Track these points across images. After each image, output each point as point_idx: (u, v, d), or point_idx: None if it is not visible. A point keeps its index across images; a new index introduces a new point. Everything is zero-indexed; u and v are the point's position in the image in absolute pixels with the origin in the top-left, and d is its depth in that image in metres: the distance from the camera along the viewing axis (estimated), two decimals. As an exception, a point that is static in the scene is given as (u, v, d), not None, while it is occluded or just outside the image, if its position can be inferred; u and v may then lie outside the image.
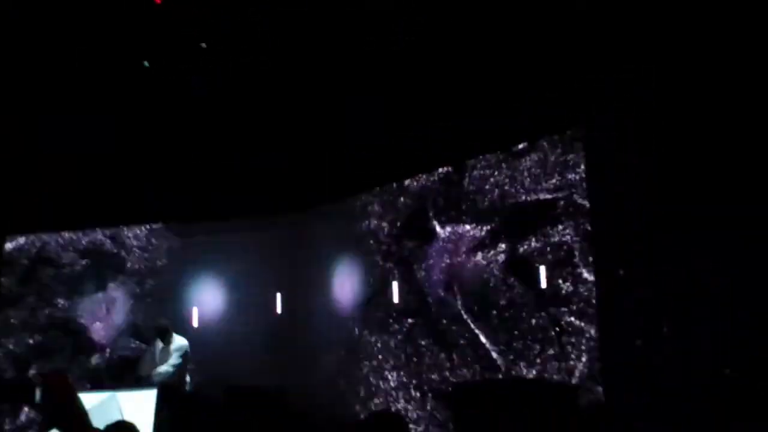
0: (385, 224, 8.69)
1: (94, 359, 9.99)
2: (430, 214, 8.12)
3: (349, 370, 8.90)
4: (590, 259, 6.53)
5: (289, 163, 9.01)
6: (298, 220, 9.78)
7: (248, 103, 8.45)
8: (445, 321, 7.77)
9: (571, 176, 6.77)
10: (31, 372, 9.97)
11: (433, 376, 7.83)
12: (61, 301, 10.28)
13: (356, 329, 8.85)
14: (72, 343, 10.15)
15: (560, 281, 6.71)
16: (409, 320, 8.22)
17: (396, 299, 8.36)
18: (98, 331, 10.12)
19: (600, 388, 6.25)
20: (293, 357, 9.21)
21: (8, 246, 10.57)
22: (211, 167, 9.23)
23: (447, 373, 7.66)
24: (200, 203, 9.66)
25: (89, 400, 8.02)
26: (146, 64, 7.95)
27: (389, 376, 8.33)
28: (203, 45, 7.71)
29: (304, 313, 9.44)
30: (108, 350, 10.04)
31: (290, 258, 9.68)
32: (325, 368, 9.07)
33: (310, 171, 9.05)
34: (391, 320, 8.39)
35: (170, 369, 8.00)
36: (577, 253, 6.65)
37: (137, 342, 9.91)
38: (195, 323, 9.55)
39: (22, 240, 10.54)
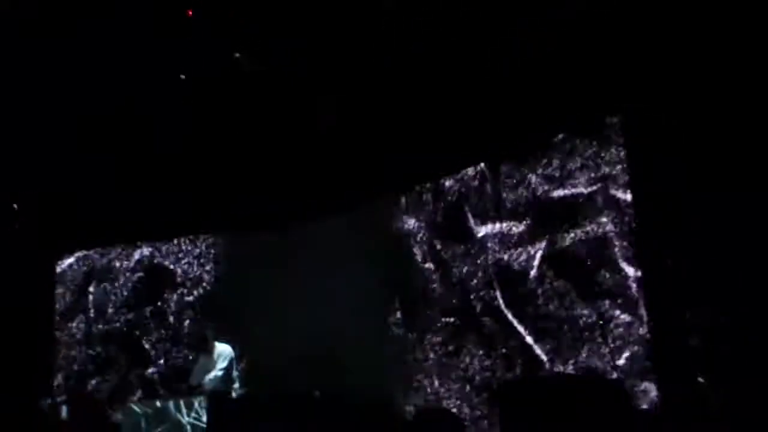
0: (423, 224, 8.72)
1: (150, 370, 10.22)
2: (467, 213, 8.11)
3: (395, 369, 8.94)
4: (631, 251, 6.45)
5: (323, 163, 9.07)
6: (337, 223, 9.80)
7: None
8: (487, 318, 7.76)
9: (606, 169, 6.70)
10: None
11: (477, 374, 7.81)
12: (115, 315, 10.56)
13: (401, 330, 8.89)
14: (127, 355, 10.40)
15: (600, 274, 6.64)
16: (452, 319, 8.22)
17: (439, 299, 8.38)
18: (152, 343, 10.36)
19: (644, 383, 6.17)
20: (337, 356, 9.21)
21: (64, 263, 10.90)
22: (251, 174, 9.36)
23: (491, 371, 7.63)
24: (245, 210, 9.80)
25: (145, 409, 8.27)
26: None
27: (434, 375, 8.34)
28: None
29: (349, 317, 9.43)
30: (162, 361, 10.26)
31: (331, 260, 9.70)
32: (371, 368, 9.10)
33: (344, 172, 9.08)
34: (434, 319, 8.40)
35: (217, 374, 8.12)
36: (616, 245, 6.57)
37: (188, 352, 10.09)
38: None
39: (75, 257, 10.86)
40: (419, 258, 8.74)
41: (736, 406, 5.80)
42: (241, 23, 7.39)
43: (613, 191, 6.67)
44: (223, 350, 8.32)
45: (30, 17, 7.09)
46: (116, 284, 10.67)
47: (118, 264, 10.74)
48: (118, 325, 10.53)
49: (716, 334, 6.00)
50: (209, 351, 8.31)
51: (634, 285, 6.40)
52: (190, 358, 9.90)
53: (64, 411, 7.61)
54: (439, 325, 8.34)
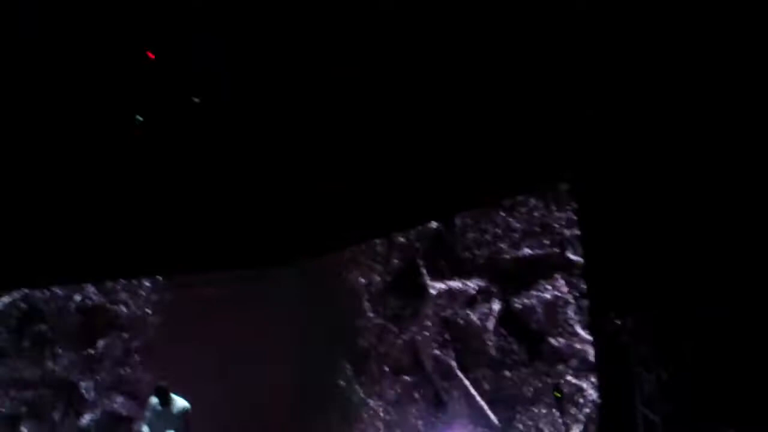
0: (376, 279, 8.65)
1: (85, 418, 9.86)
2: (422, 270, 8.09)
3: (344, 428, 8.80)
4: (584, 315, 6.50)
5: (277, 217, 8.97)
6: (280, 275, 9.65)
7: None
8: (438, 377, 7.70)
9: (563, 232, 6.77)
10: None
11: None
12: (51, 358, 10.19)
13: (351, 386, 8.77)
14: (63, 400, 10.03)
15: (554, 337, 6.66)
16: (404, 377, 8.14)
17: (390, 356, 8.30)
18: (89, 388, 10.00)
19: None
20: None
21: (1, 301, 10.50)
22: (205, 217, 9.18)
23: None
24: (193, 258, 9.58)
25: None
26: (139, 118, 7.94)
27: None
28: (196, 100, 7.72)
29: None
30: (98, 409, 9.91)
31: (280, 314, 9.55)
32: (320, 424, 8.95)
33: (298, 226, 8.99)
34: (384, 376, 8.31)
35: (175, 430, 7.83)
36: (571, 308, 6.62)
37: (129, 399, 9.78)
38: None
39: (11, 297, 10.47)
40: (371, 313, 8.67)
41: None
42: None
43: (568, 254, 6.73)
44: (181, 405, 8.01)
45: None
46: (54, 325, 10.33)
47: (57, 304, 10.40)
48: (54, 368, 10.17)
49: (669, 401, 6.03)
50: (166, 404, 7.99)
51: (588, 348, 6.43)
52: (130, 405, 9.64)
53: None
54: (389, 381, 8.25)
